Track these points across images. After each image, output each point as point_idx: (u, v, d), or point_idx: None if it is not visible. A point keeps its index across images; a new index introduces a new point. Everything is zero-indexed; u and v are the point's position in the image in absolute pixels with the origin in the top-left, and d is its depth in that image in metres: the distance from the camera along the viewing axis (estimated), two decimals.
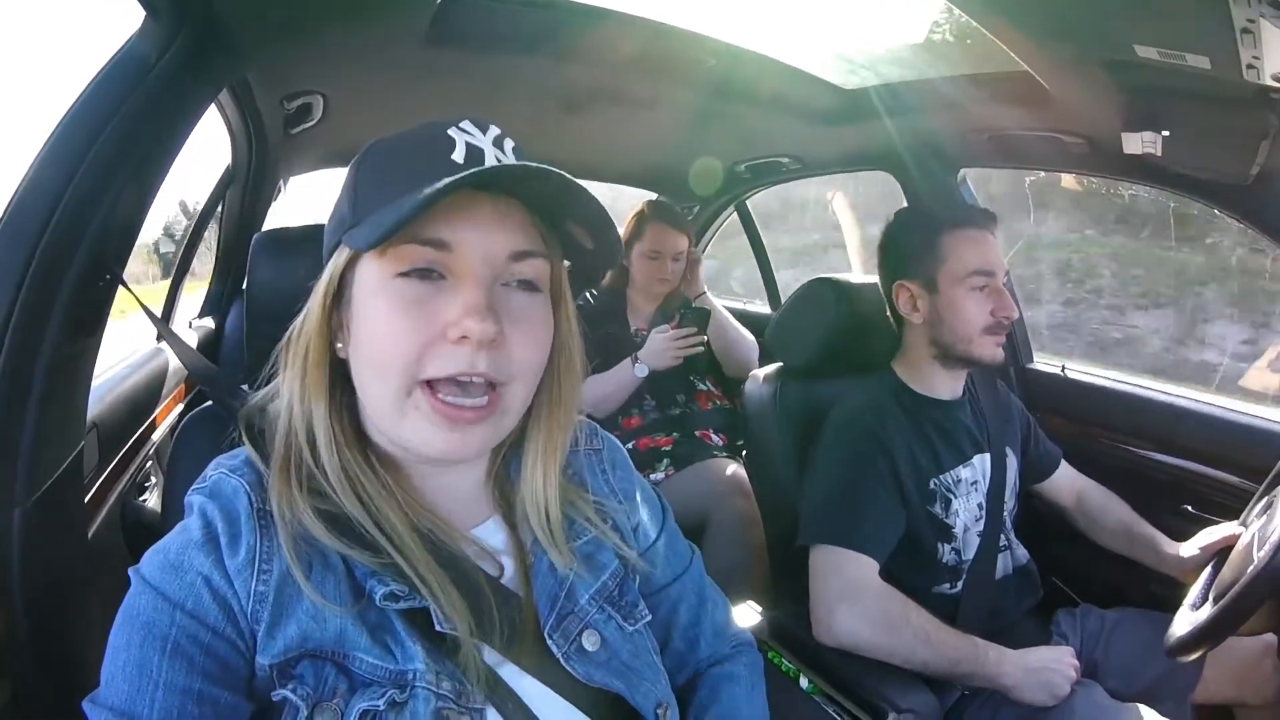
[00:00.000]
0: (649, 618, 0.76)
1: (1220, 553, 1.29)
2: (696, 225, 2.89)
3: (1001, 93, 1.54)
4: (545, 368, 0.68)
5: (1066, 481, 1.61)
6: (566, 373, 0.72)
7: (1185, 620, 1.12)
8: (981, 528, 1.40)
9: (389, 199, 0.60)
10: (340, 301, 0.65)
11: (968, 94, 1.60)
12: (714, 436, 2.22)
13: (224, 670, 0.57)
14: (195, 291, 2.33)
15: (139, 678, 0.55)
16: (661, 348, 2.03)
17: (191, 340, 1.93)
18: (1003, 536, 1.43)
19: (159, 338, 1.71)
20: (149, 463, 1.52)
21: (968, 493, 1.39)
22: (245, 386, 0.82)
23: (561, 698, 0.66)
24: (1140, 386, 1.84)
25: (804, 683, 1.22)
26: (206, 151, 1.89)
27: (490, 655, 0.64)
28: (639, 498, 0.84)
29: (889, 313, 1.48)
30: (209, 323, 2.20)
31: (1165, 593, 1.37)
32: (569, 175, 0.60)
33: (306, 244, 0.77)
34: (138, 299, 1.15)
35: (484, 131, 0.65)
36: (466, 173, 0.58)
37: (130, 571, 0.60)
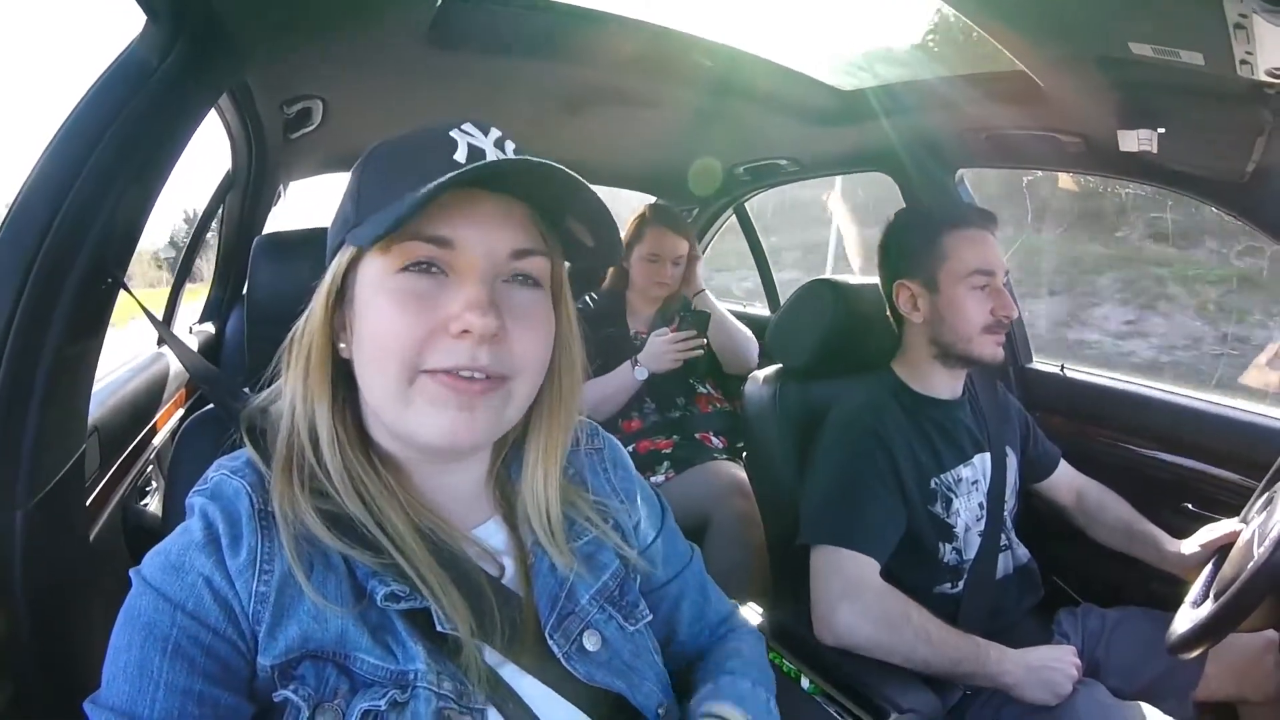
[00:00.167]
0: (649, 617, 0.76)
1: (1221, 550, 1.29)
2: (695, 227, 2.89)
3: (997, 92, 1.54)
4: (547, 367, 0.68)
5: (1066, 481, 1.61)
6: (567, 372, 0.72)
7: (1186, 618, 1.12)
8: (982, 527, 1.40)
9: (392, 198, 0.60)
10: (343, 301, 0.65)
11: (964, 94, 1.60)
12: (714, 439, 2.22)
13: (225, 671, 0.57)
14: (198, 297, 2.34)
15: (140, 678, 0.55)
16: (661, 350, 2.03)
17: (192, 345, 1.93)
18: (1003, 536, 1.43)
19: (160, 342, 1.72)
20: (150, 467, 1.52)
21: (968, 492, 1.40)
22: (246, 390, 0.82)
23: (563, 698, 0.67)
24: (1139, 385, 1.84)
25: (805, 683, 1.22)
26: (207, 156, 1.89)
27: (491, 656, 0.65)
28: (639, 497, 0.84)
29: (889, 312, 1.49)
30: (209, 328, 2.20)
31: (1166, 591, 1.36)
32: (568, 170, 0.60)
33: (307, 248, 0.77)
34: (139, 302, 1.15)
35: (485, 133, 0.65)
36: (469, 166, 0.59)
37: (131, 572, 0.60)
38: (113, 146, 0.93)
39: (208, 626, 0.57)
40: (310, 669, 0.58)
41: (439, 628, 0.61)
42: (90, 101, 0.95)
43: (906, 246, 1.43)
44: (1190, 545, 1.38)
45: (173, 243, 2.33)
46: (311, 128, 1.79)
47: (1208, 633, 1.05)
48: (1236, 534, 1.25)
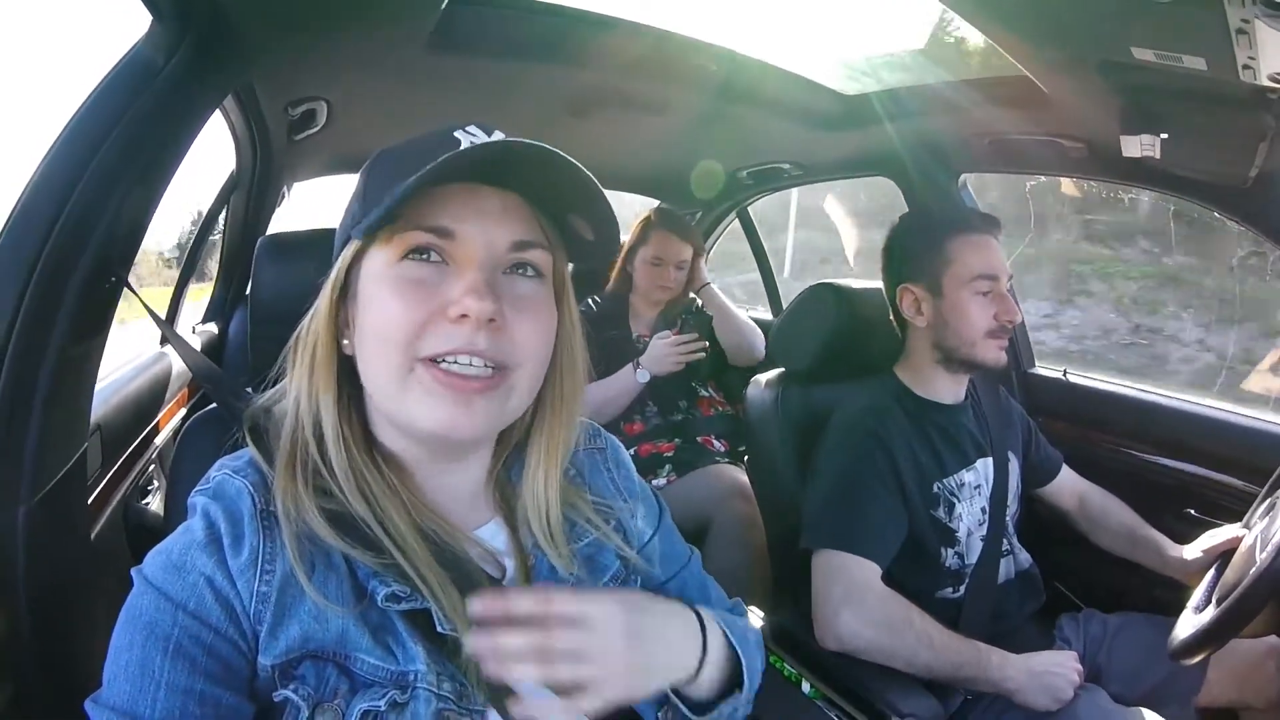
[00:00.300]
0: None
1: (1223, 555, 1.29)
2: (699, 231, 2.89)
3: (1000, 97, 1.54)
4: (549, 364, 0.69)
5: (1068, 486, 1.61)
6: (569, 373, 0.72)
7: (1188, 623, 1.12)
8: (984, 532, 1.39)
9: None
10: (347, 297, 0.66)
11: (967, 98, 1.60)
12: (715, 442, 2.22)
13: (226, 671, 0.57)
14: (201, 299, 2.34)
15: (141, 678, 0.55)
16: (663, 353, 2.04)
17: (196, 345, 1.93)
18: (1005, 541, 1.42)
19: (163, 341, 1.72)
20: (152, 466, 1.52)
21: (971, 497, 1.39)
22: (249, 390, 0.82)
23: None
24: (1142, 390, 1.84)
25: (806, 687, 1.22)
26: (211, 157, 1.90)
27: None
28: (638, 497, 0.84)
29: (892, 316, 1.49)
30: (213, 328, 2.20)
31: (1168, 596, 1.37)
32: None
33: (311, 248, 0.77)
34: (143, 302, 1.15)
35: (489, 135, 0.65)
36: (466, 147, 0.59)
37: (133, 572, 0.60)
38: (117, 146, 0.93)
39: (209, 626, 0.57)
40: (311, 669, 0.58)
41: (439, 629, 0.61)
42: (95, 101, 0.95)
43: (910, 251, 1.43)
44: (1193, 550, 1.38)
45: (180, 245, 2.33)
46: (316, 129, 1.79)
47: (1210, 638, 1.05)
48: (1239, 539, 1.25)
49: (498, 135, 0.66)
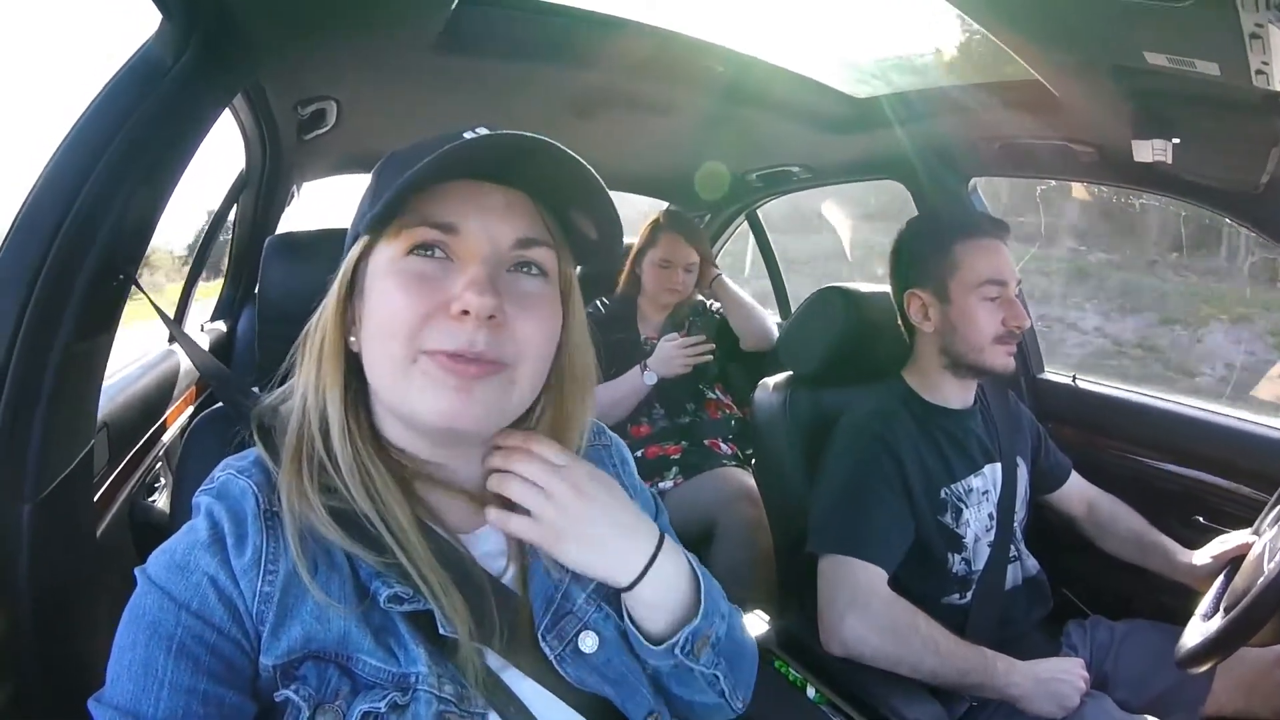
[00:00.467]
0: None
1: (1232, 562, 1.28)
2: (708, 234, 2.89)
3: (1012, 100, 1.54)
4: (552, 367, 0.68)
5: (1077, 492, 1.60)
6: (574, 374, 0.72)
7: (1196, 631, 1.11)
8: (992, 538, 1.39)
9: None
10: (354, 293, 0.66)
11: (978, 102, 1.60)
12: (722, 445, 2.22)
13: (229, 670, 0.57)
14: (210, 297, 2.35)
15: (144, 677, 0.55)
16: (670, 355, 2.03)
17: (203, 343, 1.94)
18: (1013, 547, 1.42)
19: (171, 339, 1.73)
20: (158, 464, 1.53)
21: (979, 502, 1.39)
22: (256, 389, 0.82)
23: (562, 701, 0.66)
24: (1151, 397, 1.83)
25: (811, 692, 1.22)
26: (221, 156, 1.91)
27: (494, 659, 0.64)
28: (638, 496, 0.83)
29: (900, 321, 1.48)
30: (221, 326, 2.21)
31: (1175, 604, 1.36)
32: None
33: (319, 248, 0.77)
34: (151, 300, 1.16)
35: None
36: (467, 138, 0.60)
37: (136, 571, 0.60)
38: (125, 144, 0.94)
39: (212, 626, 0.57)
40: (312, 670, 0.58)
41: (441, 631, 0.61)
42: (104, 99, 0.96)
43: (918, 255, 1.43)
44: (1202, 556, 1.37)
45: (192, 245, 2.34)
46: (325, 129, 1.80)
47: (1217, 647, 1.04)
48: (1248, 546, 1.24)
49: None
